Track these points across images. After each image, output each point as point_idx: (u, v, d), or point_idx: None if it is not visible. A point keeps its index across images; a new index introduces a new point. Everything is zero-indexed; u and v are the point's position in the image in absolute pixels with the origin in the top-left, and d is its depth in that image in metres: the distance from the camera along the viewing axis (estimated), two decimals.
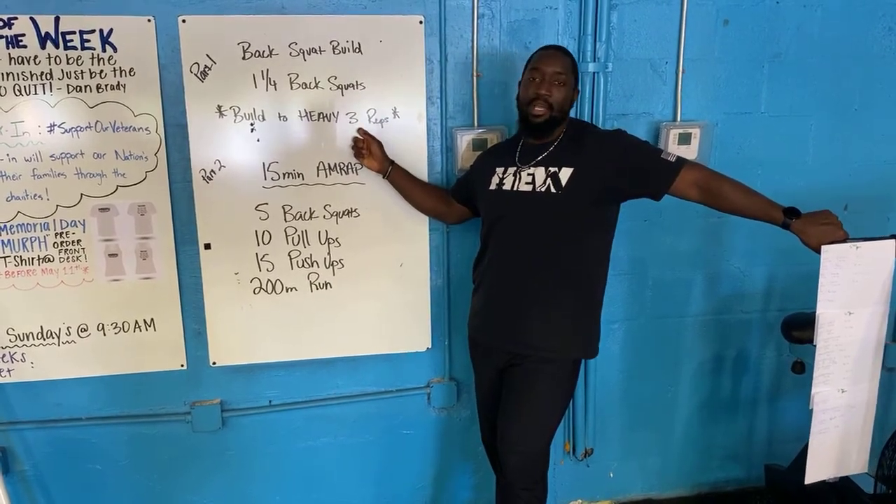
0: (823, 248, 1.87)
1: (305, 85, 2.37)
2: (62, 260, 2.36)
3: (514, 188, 2.12)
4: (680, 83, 2.58)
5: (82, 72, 2.25)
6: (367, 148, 2.38)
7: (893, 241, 1.91)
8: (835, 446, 2.05)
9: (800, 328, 2.31)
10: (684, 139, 2.55)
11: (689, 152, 2.55)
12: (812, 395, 1.98)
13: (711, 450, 3.03)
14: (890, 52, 2.68)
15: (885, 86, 2.71)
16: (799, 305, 2.61)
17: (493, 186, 2.19)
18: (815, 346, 1.97)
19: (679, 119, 2.60)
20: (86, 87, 2.26)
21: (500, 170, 2.19)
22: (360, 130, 2.40)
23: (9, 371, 2.41)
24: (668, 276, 2.79)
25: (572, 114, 2.48)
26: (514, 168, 2.15)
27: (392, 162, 2.41)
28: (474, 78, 2.47)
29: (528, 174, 2.11)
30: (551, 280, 2.08)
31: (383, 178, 2.42)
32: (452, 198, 2.43)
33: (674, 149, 2.52)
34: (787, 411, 3.00)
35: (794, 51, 2.63)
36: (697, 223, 2.72)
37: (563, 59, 2.10)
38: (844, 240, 1.89)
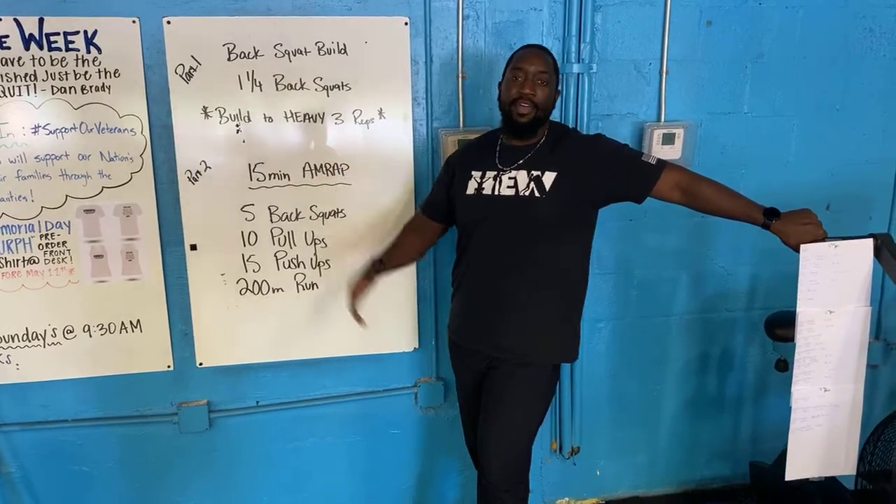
0: (802, 247, 1.89)
1: (291, 86, 2.37)
2: (47, 261, 2.35)
3: (496, 192, 2.08)
4: (664, 84, 2.60)
5: (67, 73, 2.24)
6: (356, 298, 2.33)
7: (871, 240, 1.93)
8: (819, 445, 2.05)
9: (783, 326, 2.33)
10: (668, 139, 2.57)
11: (673, 152, 2.57)
12: (791, 393, 1.99)
13: (697, 447, 3.06)
14: (870, 53, 2.71)
15: (866, 86, 2.73)
16: (783, 304, 2.61)
17: (470, 191, 2.13)
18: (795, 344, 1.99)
19: (663, 119, 2.62)
20: (70, 88, 2.25)
21: (477, 174, 2.14)
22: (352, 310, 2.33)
23: None
24: (653, 275, 2.81)
25: (555, 114, 2.51)
26: (495, 172, 2.11)
27: (370, 269, 2.35)
28: (459, 79, 2.48)
29: (510, 178, 2.08)
30: (530, 283, 2.08)
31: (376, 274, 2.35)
32: (427, 218, 2.32)
33: (657, 149, 2.54)
34: (772, 409, 3.02)
35: (776, 52, 2.66)
36: (682, 223, 2.74)
37: (546, 58, 2.08)
38: (823, 239, 1.91)
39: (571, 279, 2.14)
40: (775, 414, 3.00)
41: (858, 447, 2.09)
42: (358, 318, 2.32)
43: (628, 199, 2.08)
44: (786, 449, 2.16)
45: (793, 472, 2.07)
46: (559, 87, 2.17)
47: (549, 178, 2.04)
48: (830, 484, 2.35)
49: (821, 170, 2.79)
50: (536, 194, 2.04)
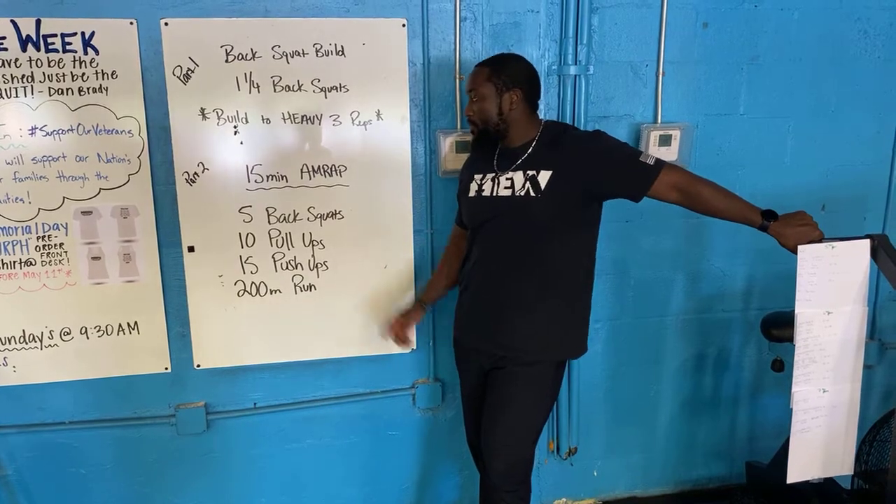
0: (800, 248, 1.90)
1: (289, 87, 2.37)
2: (44, 263, 2.35)
3: (494, 194, 2.11)
4: (660, 85, 2.61)
5: (64, 74, 2.24)
6: (403, 333, 2.49)
7: (868, 240, 1.94)
8: (819, 447, 2.06)
9: (779, 327, 2.34)
10: (665, 141, 2.58)
11: (670, 154, 2.58)
12: (792, 394, 2.00)
13: (694, 447, 3.07)
14: (865, 55, 2.73)
15: (861, 88, 2.75)
16: (778, 304, 2.65)
17: (472, 194, 2.19)
18: (794, 345, 2.00)
19: (659, 121, 2.63)
20: (67, 89, 2.25)
21: (478, 176, 2.19)
22: (391, 333, 2.52)
23: None
24: (649, 276, 2.82)
25: (553, 116, 2.53)
26: (493, 174, 2.14)
27: (418, 304, 2.51)
28: (457, 80, 2.48)
29: (507, 179, 2.10)
30: (533, 282, 2.09)
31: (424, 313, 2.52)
32: (458, 227, 2.39)
33: (654, 150, 2.54)
34: (768, 409, 3.04)
35: (771, 53, 2.67)
36: (678, 224, 2.75)
37: (476, 73, 2.13)
38: (820, 240, 1.92)
39: (574, 276, 2.14)
40: (771, 414, 3.02)
41: (856, 447, 2.11)
42: (403, 341, 2.51)
43: (625, 197, 2.09)
44: (782, 449, 2.18)
45: (794, 475, 2.07)
46: (516, 87, 2.08)
47: (544, 178, 2.05)
48: (827, 484, 2.37)
49: (816, 171, 2.81)
50: (532, 194, 2.05)
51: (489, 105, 2.10)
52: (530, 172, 2.07)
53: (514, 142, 2.13)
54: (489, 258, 2.17)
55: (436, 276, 2.49)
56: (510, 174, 2.10)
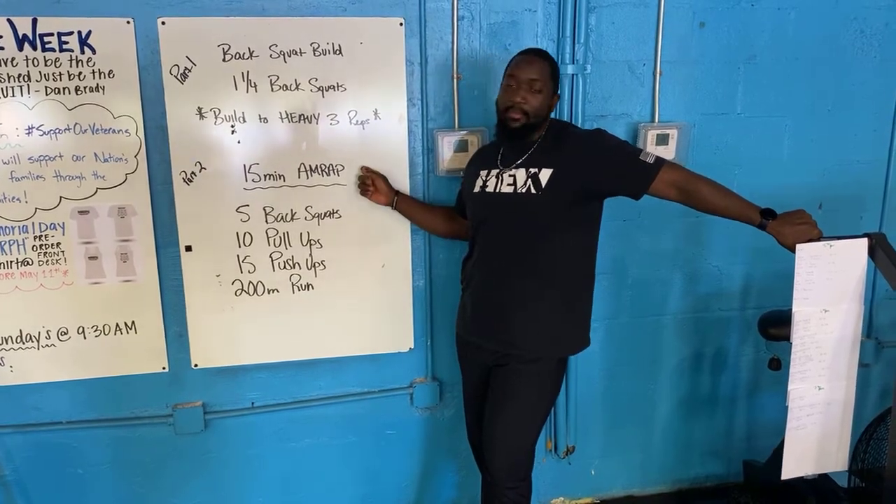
0: (798, 246, 1.90)
1: (286, 87, 2.37)
2: (41, 263, 2.34)
3: (497, 190, 2.14)
4: (657, 85, 2.61)
5: (60, 73, 2.23)
6: (372, 184, 2.41)
7: (866, 239, 1.95)
8: (814, 443, 2.07)
9: (776, 326, 2.35)
10: (662, 140, 2.58)
11: (667, 153, 2.58)
12: (788, 392, 2.01)
13: (691, 446, 3.07)
14: (862, 54, 2.73)
15: (858, 87, 2.76)
16: (775, 303, 2.65)
17: (477, 189, 2.21)
18: (791, 343, 2.00)
19: (657, 120, 2.63)
20: (64, 89, 2.24)
21: (483, 172, 2.21)
22: (363, 168, 2.45)
23: None
24: (647, 275, 2.82)
25: (553, 114, 2.52)
26: (497, 170, 2.16)
27: (397, 192, 2.45)
28: (455, 80, 2.48)
29: (510, 175, 2.12)
30: (534, 279, 2.10)
31: (392, 208, 2.45)
32: (457, 213, 2.44)
33: (652, 149, 2.54)
34: (765, 407, 3.04)
35: (768, 53, 2.67)
36: (676, 223, 2.75)
37: (541, 64, 2.09)
38: (818, 239, 1.92)
39: (575, 274, 2.15)
40: (768, 412, 3.03)
41: (850, 444, 2.11)
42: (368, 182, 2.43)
43: (625, 195, 2.10)
44: (779, 447, 2.18)
45: (788, 471, 2.08)
46: (558, 91, 2.18)
47: (545, 175, 2.06)
48: (823, 481, 2.38)
49: (813, 170, 2.81)
50: (533, 191, 2.07)
51: (545, 101, 2.10)
52: (532, 170, 2.09)
53: (528, 140, 2.13)
54: (491, 255, 2.18)
55: (428, 207, 2.52)
56: (513, 171, 2.13)
